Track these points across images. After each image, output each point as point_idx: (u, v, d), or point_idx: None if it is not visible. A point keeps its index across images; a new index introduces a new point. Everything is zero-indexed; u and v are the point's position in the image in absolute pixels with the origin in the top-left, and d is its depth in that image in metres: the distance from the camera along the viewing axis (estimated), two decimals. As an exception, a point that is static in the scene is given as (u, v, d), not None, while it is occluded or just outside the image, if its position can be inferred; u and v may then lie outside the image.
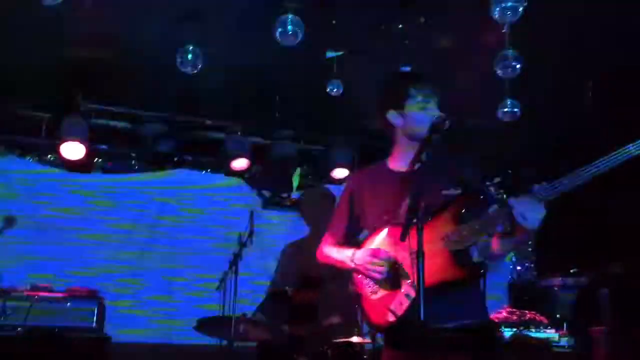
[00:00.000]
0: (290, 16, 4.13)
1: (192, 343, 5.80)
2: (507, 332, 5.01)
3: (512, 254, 6.92)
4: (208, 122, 6.31)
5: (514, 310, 5.22)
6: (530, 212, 2.18)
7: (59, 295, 5.03)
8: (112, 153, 6.39)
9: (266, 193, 6.91)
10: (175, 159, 6.41)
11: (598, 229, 5.72)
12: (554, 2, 4.18)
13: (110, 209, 6.27)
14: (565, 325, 5.04)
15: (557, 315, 5.21)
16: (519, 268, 7.11)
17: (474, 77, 5.10)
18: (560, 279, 5.20)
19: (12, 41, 4.86)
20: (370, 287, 2.53)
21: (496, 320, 5.06)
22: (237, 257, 4.83)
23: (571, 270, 5.14)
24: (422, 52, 4.63)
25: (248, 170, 6.48)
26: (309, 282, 5.11)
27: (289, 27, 4.12)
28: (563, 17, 4.34)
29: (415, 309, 2.08)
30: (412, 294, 2.31)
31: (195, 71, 4.59)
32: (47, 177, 6.18)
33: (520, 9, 3.73)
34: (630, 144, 2.02)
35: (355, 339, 4.36)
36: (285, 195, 6.76)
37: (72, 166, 6.08)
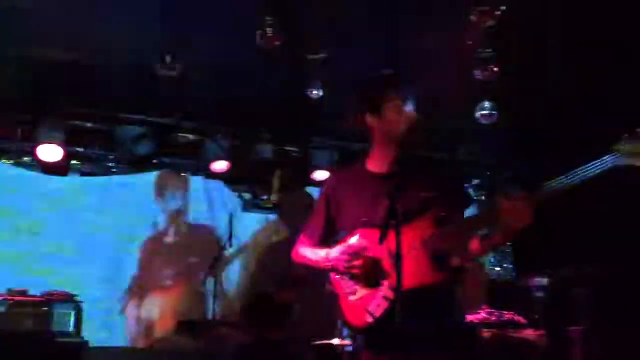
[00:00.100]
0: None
1: (171, 346, 5.76)
2: (486, 333, 5.04)
3: (491, 254, 6.99)
4: (187, 124, 6.28)
5: (492, 310, 5.25)
6: (513, 214, 2.20)
7: (36, 299, 4.96)
8: (89, 155, 6.32)
9: (246, 195, 6.90)
10: (154, 161, 6.36)
11: (574, 230, 5.79)
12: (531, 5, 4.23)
13: (87, 212, 6.20)
14: (542, 325, 5.09)
15: (535, 316, 5.25)
16: (497, 269, 7.17)
17: (452, 78, 5.13)
18: (537, 279, 5.25)
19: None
20: (348, 287, 2.52)
21: (475, 321, 5.09)
22: (217, 259, 4.83)
23: (548, 271, 5.19)
24: (400, 54, 4.66)
25: (228, 172, 6.46)
26: (289, 283, 5.11)
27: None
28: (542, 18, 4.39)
29: (394, 311, 2.09)
30: (391, 295, 2.32)
31: (174, 73, 4.56)
32: (24, 180, 6.10)
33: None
34: (608, 155, 2.09)
35: (335, 341, 4.36)
36: (265, 197, 6.75)
37: (49, 169, 6.00)
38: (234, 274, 6.36)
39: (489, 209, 2.28)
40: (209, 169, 6.33)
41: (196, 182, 6.67)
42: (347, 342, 4.31)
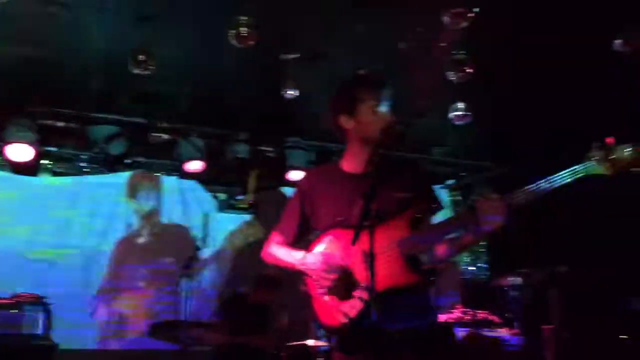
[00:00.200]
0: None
1: (145, 348, 5.70)
2: (461, 332, 5.07)
3: (465, 254, 7.05)
4: (162, 124, 6.22)
5: (467, 310, 5.28)
6: (489, 215, 2.22)
7: (4, 301, 4.86)
8: (61, 155, 6.22)
9: (221, 196, 6.86)
10: (127, 161, 6.29)
11: (548, 231, 5.87)
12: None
13: (59, 212, 6.11)
14: (516, 324, 5.14)
15: (509, 315, 5.30)
16: (472, 268, 7.24)
17: (427, 79, 5.16)
18: (511, 279, 5.30)
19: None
20: (322, 288, 2.50)
21: (449, 320, 5.13)
22: (191, 260, 4.78)
23: (522, 271, 5.25)
24: (376, 55, 4.67)
25: (203, 172, 6.41)
26: (265, 282, 5.09)
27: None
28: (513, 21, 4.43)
29: (368, 311, 2.08)
30: (365, 296, 2.31)
31: (147, 72, 4.51)
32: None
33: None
34: (580, 164, 2.17)
35: (310, 342, 4.35)
36: (240, 198, 6.71)
37: (19, 169, 5.90)
38: (208, 275, 6.31)
39: (467, 210, 2.29)
40: (183, 169, 6.28)
41: (171, 182, 6.61)
42: (321, 343, 4.30)
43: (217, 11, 4.28)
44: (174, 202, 6.60)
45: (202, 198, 6.67)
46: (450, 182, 7.29)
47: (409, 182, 2.51)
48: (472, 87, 4.82)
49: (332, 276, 2.44)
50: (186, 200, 6.62)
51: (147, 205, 6.50)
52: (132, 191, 6.45)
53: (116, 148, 6.10)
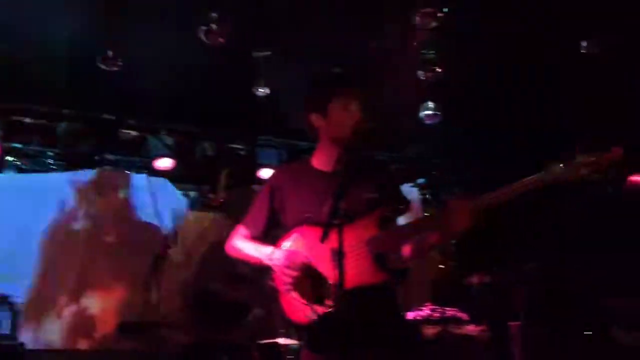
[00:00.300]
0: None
1: (113, 347, 5.63)
2: (430, 329, 5.13)
3: (434, 252, 7.11)
4: (131, 121, 6.15)
5: (436, 307, 5.34)
6: (459, 215, 2.25)
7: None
8: (27, 152, 6.11)
9: (192, 194, 6.81)
10: (96, 158, 6.20)
11: (515, 231, 5.97)
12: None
13: (23, 209, 5.99)
14: (484, 321, 5.21)
15: (477, 312, 5.38)
16: (441, 266, 7.31)
17: (399, 78, 5.19)
18: (480, 277, 5.38)
19: None
20: (288, 284, 2.48)
21: (419, 318, 5.18)
22: (160, 258, 4.75)
23: (490, 269, 5.33)
24: (348, 54, 4.68)
25: (173, 170, 6.36)
26: (235, 281, 5.08)
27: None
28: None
29: (336, 309, 2.09)
30: (333, 295, 2.32)
31: (116, 68, 4.46)
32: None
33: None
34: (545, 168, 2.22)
35: (281, 340, 4.35)
36: (211, 195, 6.68)
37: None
38: (177, 273, 6.26)
39: (437, 210, 2.32)
40: (153, 167, 6.22)
41: (140, 180, 6.54)
42: (292, 341, 4.30)
43: (187, 7, 4.25)
44: (144, 200, 6.52)
45: (172, 196, 6.61)
46: (420, 180, 7.35)
47: (378, 182, 2.52)
48: (444, 87, 4.87)
49: (294, 273, 2.43)
50: (156, 198, 6.55)
51: (116, 202, 6.42)
52: (101, 188, 6.36)
53: (84, 145, 6.01)
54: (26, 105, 5.77)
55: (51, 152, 6.16)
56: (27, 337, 5.03)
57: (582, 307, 5.32)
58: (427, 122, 5.12)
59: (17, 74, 5.18)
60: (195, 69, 5.11)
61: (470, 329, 5.22)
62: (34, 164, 6.21)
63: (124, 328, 4.88)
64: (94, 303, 6.07)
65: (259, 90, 5.01)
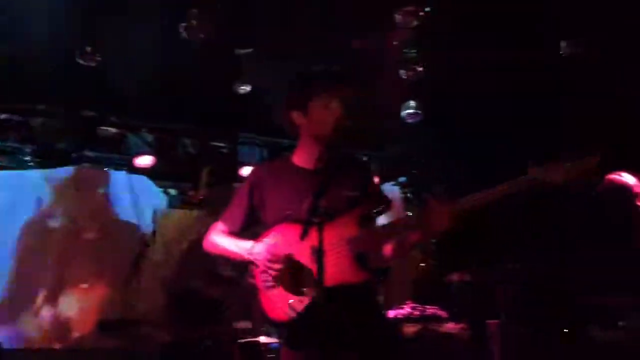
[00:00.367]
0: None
1: (93, 346, 5.58)
2: (410, 327, 5.15)
3: (415, 251, 7.14)
4: (112, 118, 6.09)
5: (416, 305, 5.36)
6: (439, 215, 2.26)
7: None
8: (4, 148, 6.02)
9: (172, 191, 6.77)
10: (74, 155, 6.13)
11: (496, 229, 6.01)
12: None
13: (1, 207, 5.90)
14: (464, 319, 5.24)
15: (457, 310, 5.41)
16: (422, 265, 7.34)
17: (381, 77, 5.20)
18: (460, 275, 5.42)
19: None
20: (269, 280, 2.47)
21: (399, 316, 5.19)
22: (140, 256, 4.72)
23: (470, 268, 5.37)
24: (330, 51, 4.68)
25: (153, 167, 6.31)
26: (215, 279, 5.06)
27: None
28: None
29: (315, 306, 2.08)
30: (313, 292, 2.31)
31: (94, 64, 4.42)
32: None
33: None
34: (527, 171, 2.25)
35: (262, 339, 4.34)
36: (191, 193, 6.64)
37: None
38: (157, 271, 6.21)
39: (417, 210, 2.34)
40: (132, 164, 6.16)
41: (120, 177, 6.47)
42: (273, 340, 4.29)
43: (169, 3, 4.21)
44: (123, 198, 6.46)
45: (152, 193, 6.55)
46: (402, 179, 7.38)
47: (358, 180, 2.53)
48: (426, 85, 4.89)
49: (277, 266, 2.42)
50: (135, 196, 6.49)
51: (95, 200, 6.35)
52: (80, 185, 6.29)
53: (63, 142, 5.94)
54: (2, 102, 5.68)
55: (28, 148, 6.07)
56: (3, 337, 4.94)
57: (560, 306, 5.37)
58: (409, 120, 5.13)
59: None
60: (177, 65, 5.07)
61: (450, 327, 5.24)
62: (10, 160, 6.12)
63: (104, 326, 4.83)
64: (73, 301, 6.00)
65: (241, 87, 4.99)
